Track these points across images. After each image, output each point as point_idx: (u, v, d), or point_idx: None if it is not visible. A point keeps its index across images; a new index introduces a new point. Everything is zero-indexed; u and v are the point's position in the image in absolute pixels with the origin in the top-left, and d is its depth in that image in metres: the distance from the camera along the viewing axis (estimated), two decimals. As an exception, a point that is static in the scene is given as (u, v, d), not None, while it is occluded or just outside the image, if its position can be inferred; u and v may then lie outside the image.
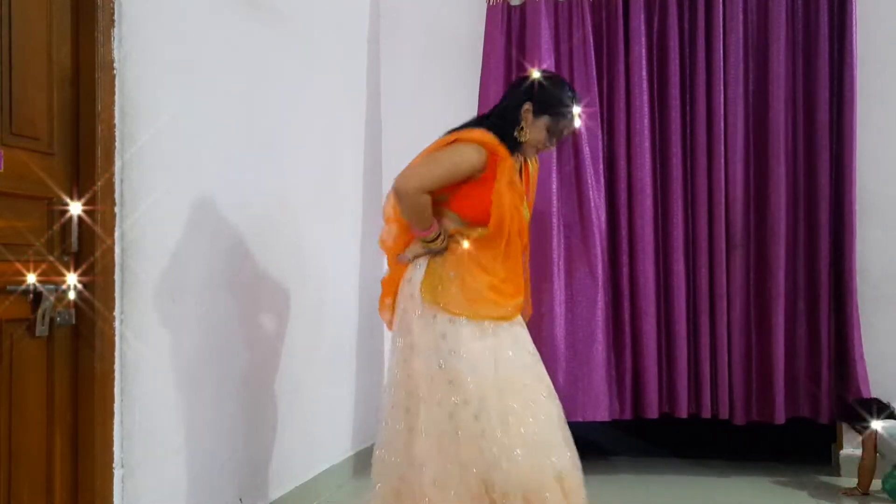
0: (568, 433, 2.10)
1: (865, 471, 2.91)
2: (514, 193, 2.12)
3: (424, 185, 2.05)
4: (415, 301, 2.12)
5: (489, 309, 2.07)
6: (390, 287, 2.27)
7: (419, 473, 2.00)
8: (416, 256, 2.16)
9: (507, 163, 2.09)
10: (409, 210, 2.09)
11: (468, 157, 2.06)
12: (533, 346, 2.18)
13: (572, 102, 2.15)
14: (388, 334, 3.67)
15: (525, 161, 2.26)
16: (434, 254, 2.14)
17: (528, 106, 2.13)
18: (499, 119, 2.17)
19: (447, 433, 2.00)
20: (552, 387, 2.14)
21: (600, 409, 3.30)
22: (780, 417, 3.22)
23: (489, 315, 2.07)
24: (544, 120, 2.13)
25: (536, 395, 2.07)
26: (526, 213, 2.22)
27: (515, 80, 2.30)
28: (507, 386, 2.03)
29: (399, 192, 2.07)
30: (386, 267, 2.36)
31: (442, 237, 2.12)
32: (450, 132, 2.18)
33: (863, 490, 2.91)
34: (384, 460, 2.11)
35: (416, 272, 2.15)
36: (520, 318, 2.18)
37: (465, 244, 2.11)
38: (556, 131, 2.16)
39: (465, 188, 2.10)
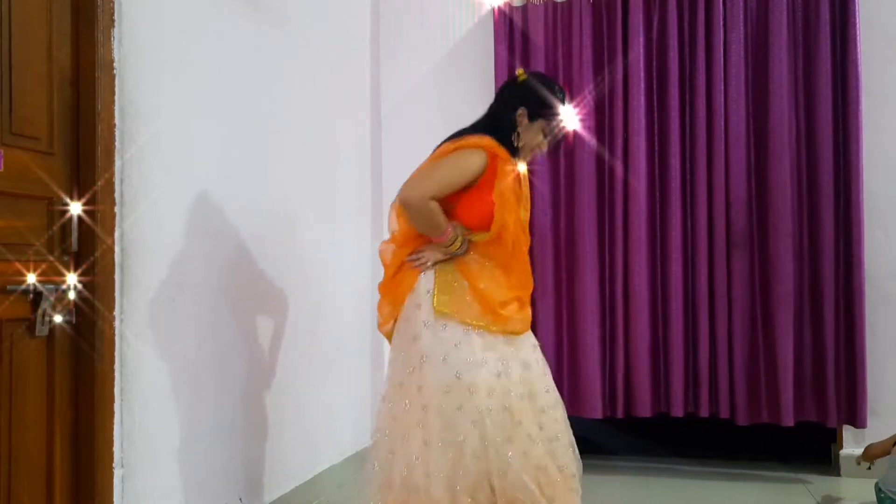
0: (572, 437, 2.12)
1: (878, 450, 2.80)
2: (515, 196, 2.10)
3: (430, 193, 2.03)
4: (422, 311, 2.06)
5: (502, 323, 2.05)
6: (389, 294, 2.21)
7: (433, 485, 1.95)
8: (437, 263, 2.11)
9: (508, 165, 2.08)
10: (420, 219, 2.06)
11: (472, 161, 2.05)
12: (541, 353, 2.17)
13: (564, 102, 2.16)
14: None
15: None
16: (454, 257, 2.11)
17: (522, 111, 2.13)
18: (494, 124, 2.15)
19: (468, 443, 1.96)
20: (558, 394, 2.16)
21: (594, 408, 3.32)
22: (788, 420, 3.20)
23: (503, 329, 2.04)
24: (539, 123, 2.14)
25: (551, 403, 2.08)
26: (525, 217, 2.21)
27: (505, 84, 2.29)
28: (525, 394, 2.03)
29: (406, 203, 2.04)
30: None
31: (461, 239, 2.09)
32: (448, 139, 2.17)
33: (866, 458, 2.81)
34: (390, 474, 2.03)
35: (423, 282, 2.10)
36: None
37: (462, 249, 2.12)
38: (551, 133, 2.17)
39: (467, 195, 2.08)
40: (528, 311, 2.16)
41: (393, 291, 2.19)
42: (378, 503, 2.07)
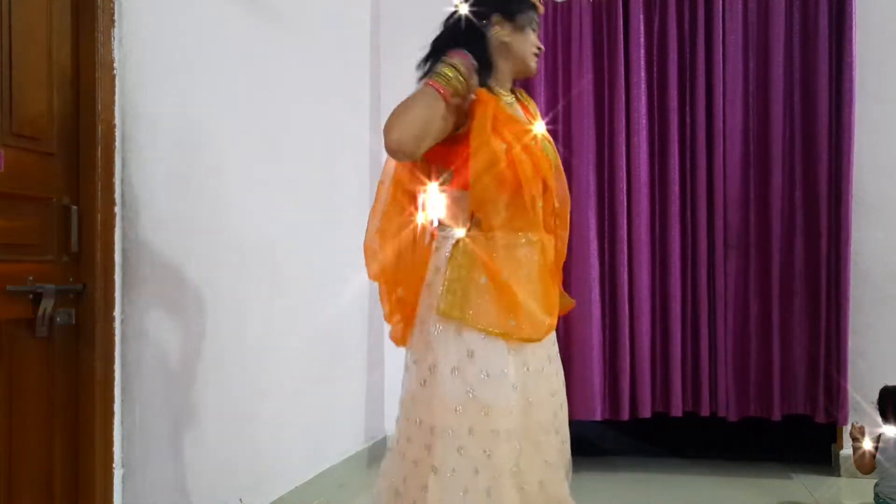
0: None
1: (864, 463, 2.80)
2: (512, 130, 1.66)
3: (412, 131, 1.62)
4: (433, 312, 1.68)
5: (523, 329, 1.66)
6: (395, 280, 1.83)
7: None
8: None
9: (490, 103, 1.65)
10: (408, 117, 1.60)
11: (438, 103, 1.60)
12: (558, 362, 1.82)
13: None
14: (388, 335, 3.70)
15: (519, 99, 1.84)
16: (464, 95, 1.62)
17: (497, 17, 1.74)
18: (469, 42, 1.71)
19: (479, 471, 1.62)
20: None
21: (595, 410, 3.33)
22: (777, 414, 3.25)
23: (522, 336, 1.66)
24: (521, 18, 1.75)
25: (557, 425, 1.77)
26: (552, 154, 1.78)
27: (452, 14, 1.82)
28: (539, 416, 1.70)
29: (390, 149, 1.66)
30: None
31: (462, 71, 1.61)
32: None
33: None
34: (399, 494, 1.73)
35: (437, 275, 1.71)
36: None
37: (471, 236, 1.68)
38: (535, 25, 1.79)
39: (461, 152, 1.65)
40: (553, 320, 1.75)
41: (394, 271, 1.81)
42: None
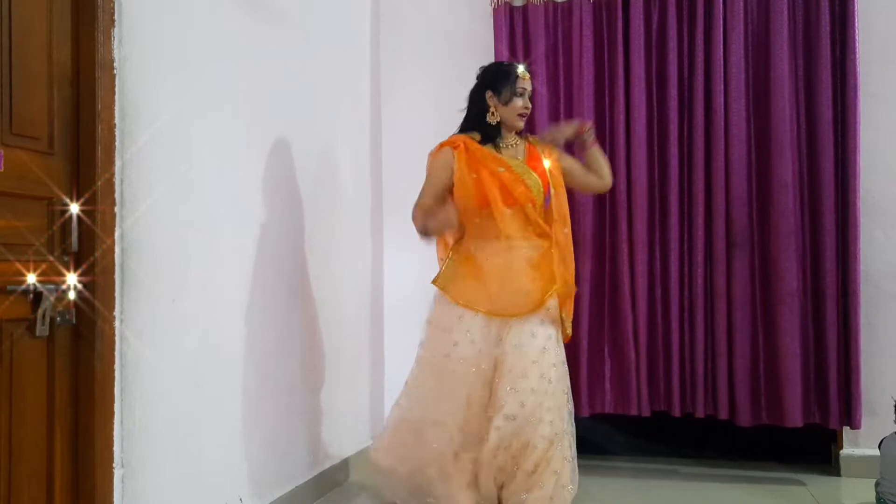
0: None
1: None
2: (488, 168, 2.50)
3: (419, 202, 2.57)
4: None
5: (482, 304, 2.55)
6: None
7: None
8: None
9: (472, 146, 2.53)
10: (425, 219, 2.54)
11: (439, 160, 2.57)
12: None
13: (516, 66, 2.57)
14: (388, 335, 3.71)
15: (530, 143, 2.66)
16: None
17: (489, 93, 2.56)
18: (468, 118, 2.61)
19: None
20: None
21: (585, 406, 3.34)
22: (792, 421, 3.19)
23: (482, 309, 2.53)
24: (506, 91, 2.53)
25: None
26: (533, 181, 2.54)
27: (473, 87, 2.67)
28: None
29: (416, 226, 2.56)
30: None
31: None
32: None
33: None
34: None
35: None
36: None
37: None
38: (519, 92, 2.54)
39: (458, 198, 2.57)
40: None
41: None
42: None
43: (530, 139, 2.68)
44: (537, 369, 2.39)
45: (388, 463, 2.58)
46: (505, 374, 2.40)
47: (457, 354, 2.46)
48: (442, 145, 2.57)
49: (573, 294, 2.63)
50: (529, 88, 2.56)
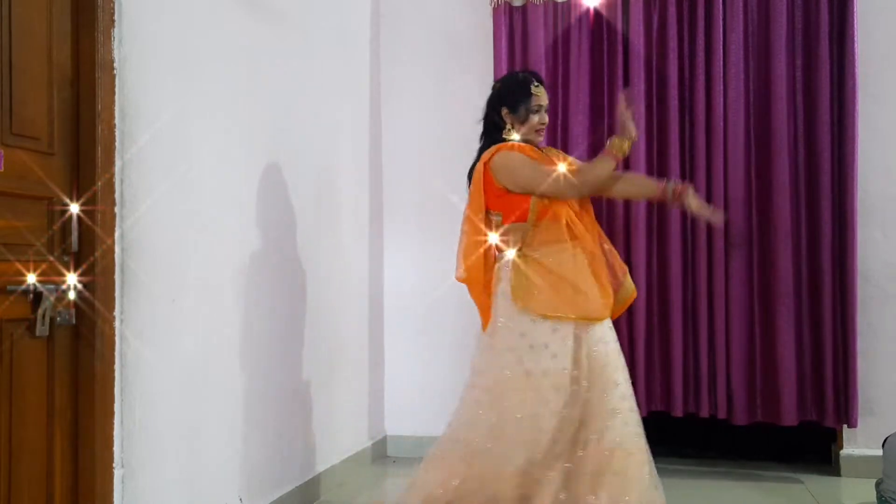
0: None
1: None
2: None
3: (582, 180, 2.43)
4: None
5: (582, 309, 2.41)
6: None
7: None
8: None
9: (535, 154, 2.45)
10: (595, 182, 2.45)
11: (520, 153, 2.41)
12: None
13: (531, 80, 2.47)
14: (388, 336, 3.72)
15: (542, 151, 2.55)
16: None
17: (505, 110, 2.47)
18: (489, 134, 2.51)
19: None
20: None
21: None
22: (788, 420, 3.20)
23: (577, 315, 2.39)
24: (522, 108, 2.44)
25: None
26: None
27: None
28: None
29: (580, 189, 2.43)
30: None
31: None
32: (479, 159, 2.47)
33: None
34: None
35: (500, 283, 2.46)
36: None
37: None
38: (534, 109, 2.46)
39: (507, 198, 2.42)
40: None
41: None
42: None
43: (546, 150, 2.61)
44: (623, 374, 2.40)
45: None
46: (595, 379, 2.36)
47: (557, 367, 2.32)
48: (512, 146, 2.43)
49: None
50: (546, 103, 2.50)
